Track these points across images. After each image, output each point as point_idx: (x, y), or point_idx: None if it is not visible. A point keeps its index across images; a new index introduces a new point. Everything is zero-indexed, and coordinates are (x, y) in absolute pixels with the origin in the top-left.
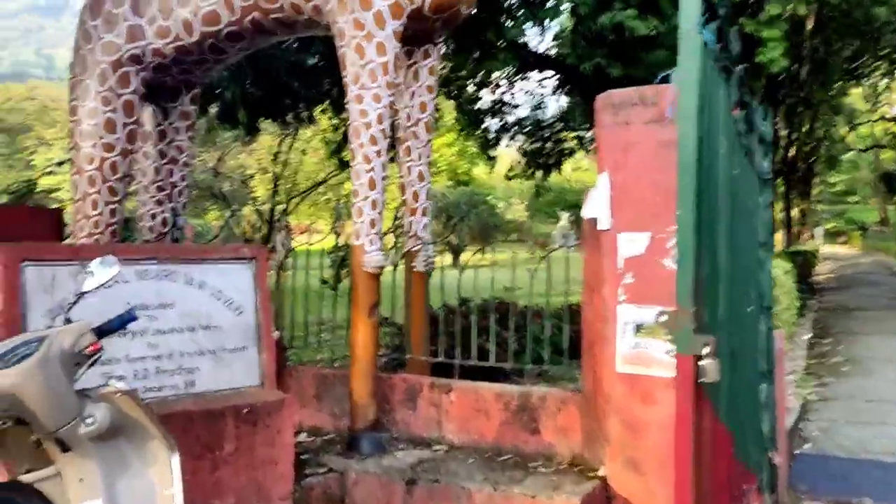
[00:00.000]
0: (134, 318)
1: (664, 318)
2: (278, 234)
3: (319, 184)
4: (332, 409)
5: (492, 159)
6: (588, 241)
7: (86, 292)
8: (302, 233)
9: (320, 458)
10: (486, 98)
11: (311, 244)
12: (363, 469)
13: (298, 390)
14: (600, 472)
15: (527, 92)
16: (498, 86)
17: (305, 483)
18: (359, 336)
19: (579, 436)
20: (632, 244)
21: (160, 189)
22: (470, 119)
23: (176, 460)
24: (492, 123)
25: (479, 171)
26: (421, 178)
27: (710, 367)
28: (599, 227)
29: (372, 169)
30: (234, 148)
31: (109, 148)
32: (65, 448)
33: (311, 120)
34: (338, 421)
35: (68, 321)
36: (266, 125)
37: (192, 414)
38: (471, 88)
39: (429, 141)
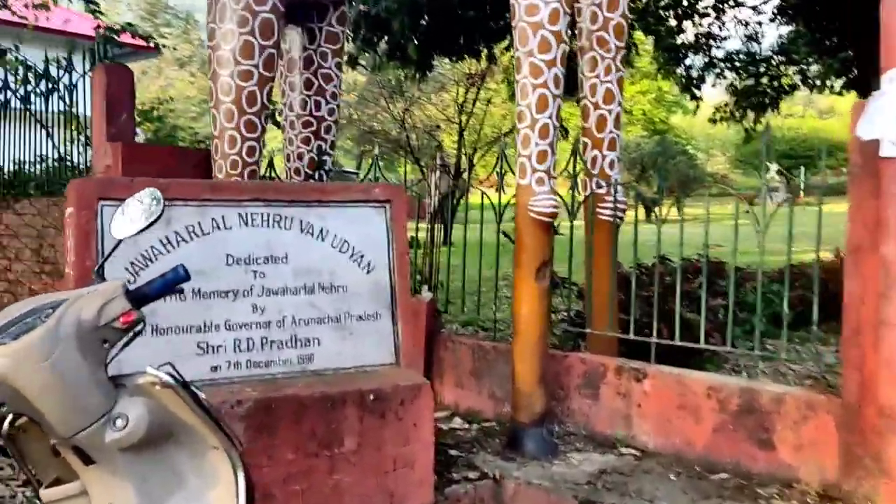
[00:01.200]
0: (184, 278)
1: None
2: (432, 173)
3: (505, 134)
4: (494, 391)
5: (695, 99)
6: (859, 177)
7: (121, 240)
8: (489, 186)
9: (473, 456)
10: (690, 31)
11: (494, 189)
12: (525, 477)
13: (453, 364)
14: None
15: (739, 21)
16: (705, 15)
17: (450, 492)
18: (522, 305)
19: (834, 457)
20: None
21: (307, 125)
22: (670, 56)
23: (241, 479)
24: (695, 60)
25: (678, 119)
26: (609, 98)
27: None
28: (883, 153)
29: (543, 84)
30: (420, 99)
31: (247, 76)
32: (88, 460)
33: (490, 58)
34: (499, 405)
35: (101, 278)
36: (446, 70)
37: (305, 399)
38: (672, 22)
39: (619, 50)
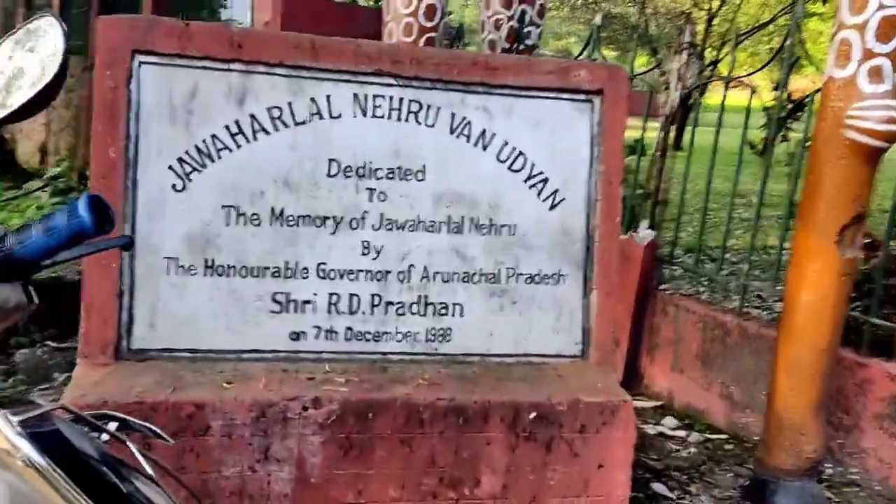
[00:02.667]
0: (119, 244)
1: None
2: (673, 58)
3: (765, 24)
4: (730, 389)
5: None
6: None
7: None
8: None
9: (688, 499)
10: None
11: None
12: None
13: (672, 338)
14: None
15: None
16: None
17: None
18: (804, 286)
19: None
20: None
21: None
22: None
23: None
24: None
25: None
26: None
27: None
28: None
29: None
30: None
31: None
32: None
33: None
34: (737, 412)
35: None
36: None
37: (423, 407)
38: None
39: None
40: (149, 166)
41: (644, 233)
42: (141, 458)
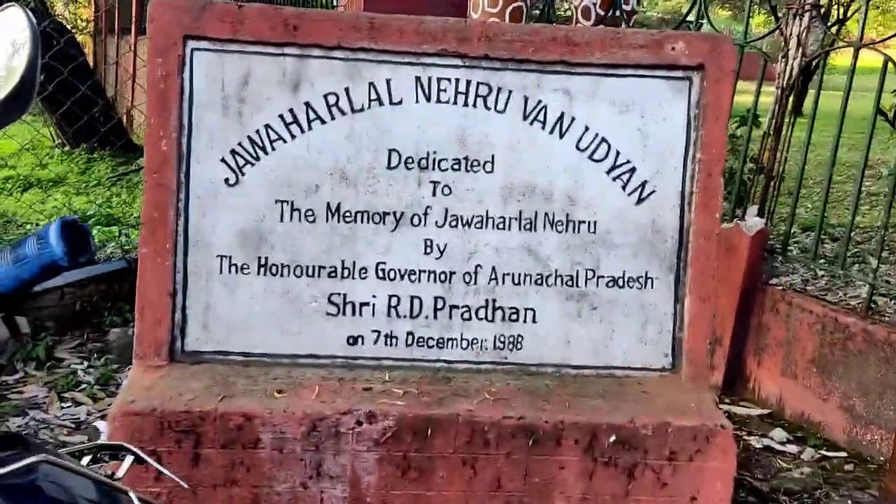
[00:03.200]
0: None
1: None
2: (793, 22)
3: None
4: (853, 401)
5: None
6: None
7: None
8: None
9: None
10: None
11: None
12: None
13: (784, 339)
14: None
15: None
16: None
17: None
18: None
19: None
20: None
21: None
22: None
23: None
24: None
25: None
26: None
27: None
28: None
29: None
30: None
31: None
32: None
33: None
34: (860, 428)
35: None
36: None
37: (487, 426)
38: None
39: None
40: (201, 160)
41: (752, 221)
42: None
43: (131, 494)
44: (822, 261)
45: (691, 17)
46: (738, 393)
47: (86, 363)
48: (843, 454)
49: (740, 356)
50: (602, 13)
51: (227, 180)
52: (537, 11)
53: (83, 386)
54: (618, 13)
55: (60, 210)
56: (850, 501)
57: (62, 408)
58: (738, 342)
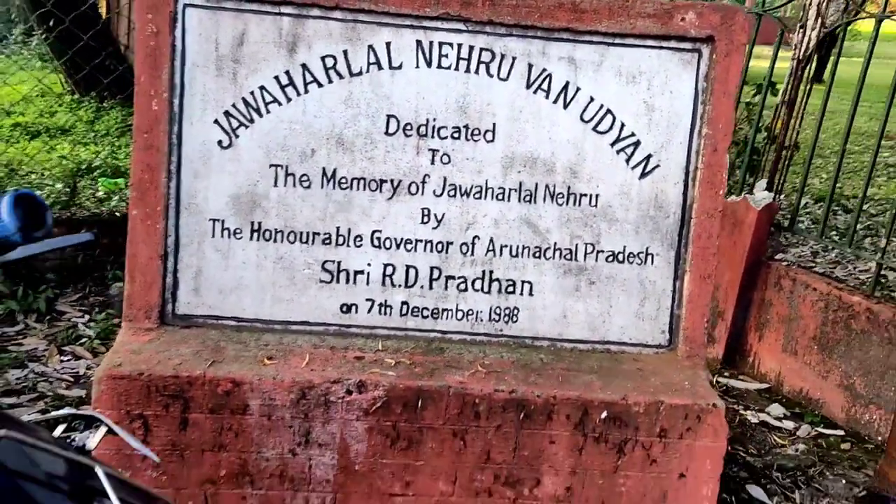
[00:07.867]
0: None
1: None
2: None
3: None
4: (852, 378)
5: None
6: None
7: None
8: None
9: None
10: None
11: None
12: None
13: (786, 316)
14: None
15: None
16: None
17: None
18: None
19: None
20: None
21: None
22: None
23: None
24: None
25: None
26: None
27: None
28: None
29: None
30: None
31: None
32: None
33: None
34: (857, 406)
35: None
36: None
37: (479, 398)
38: None
39: None
40: (194, 121)
41: (760, 195)
42: (109, 488)
43: (98, 469)
44: (833, 233)
45: None
46: (737, 367)
47: (87, 317)
48: (841, 432)
49: (742, 330)
50: None
51: (220, 142)
52: None
53: (83, 340)
54: None
55: (65, 161)
56: (843, 481)
57: (62, 361)
58: (740, 316)
